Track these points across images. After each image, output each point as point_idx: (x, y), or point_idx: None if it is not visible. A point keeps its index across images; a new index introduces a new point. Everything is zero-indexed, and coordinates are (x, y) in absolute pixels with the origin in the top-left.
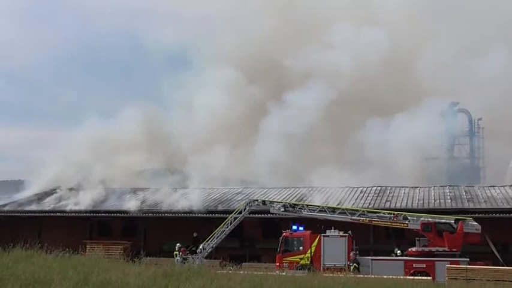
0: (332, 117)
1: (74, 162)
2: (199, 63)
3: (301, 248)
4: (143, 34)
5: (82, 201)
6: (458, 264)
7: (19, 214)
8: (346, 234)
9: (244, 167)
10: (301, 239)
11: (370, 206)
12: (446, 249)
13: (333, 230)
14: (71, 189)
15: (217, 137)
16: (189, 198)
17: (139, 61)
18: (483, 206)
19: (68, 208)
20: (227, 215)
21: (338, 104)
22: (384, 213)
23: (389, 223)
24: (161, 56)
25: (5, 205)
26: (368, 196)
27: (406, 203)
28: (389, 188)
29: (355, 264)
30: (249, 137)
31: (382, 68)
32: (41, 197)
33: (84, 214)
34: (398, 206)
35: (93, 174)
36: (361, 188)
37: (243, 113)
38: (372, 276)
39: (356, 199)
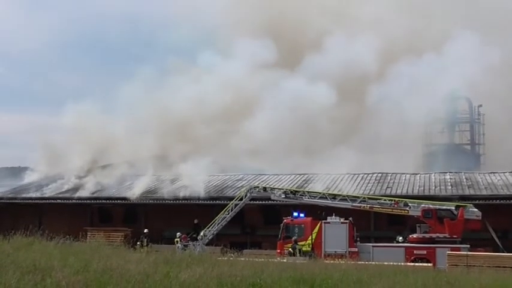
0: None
1: (77, 148)
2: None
3: (302, 234)
4: (148, 19)
5: (83, 188)
6: (459, 251)
7: (19, 201)
8: (347, 221)
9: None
10: (302, 225)
11: (371, 193)
12: (447, 235)
13: (333, 217)
14: (74, 175)
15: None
16: (190, 184)
17: (144, 46)
18: (484, 192)
19: (68, 195)
20: (228, 202)
21: (347, 82)
22: (385, 200)
23: (390, 210)
24: (168, 42)
25: (6, 192)
26: (369, 182)
27: (407, 189)
28: (390, 174)
29: (290, 249)
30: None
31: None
32: (42, 183)
33: (85, 201)
34: (399, 192)
35: (99, 160)
36: (362, 175)
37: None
38: (373, 262)
39: (357, 185)
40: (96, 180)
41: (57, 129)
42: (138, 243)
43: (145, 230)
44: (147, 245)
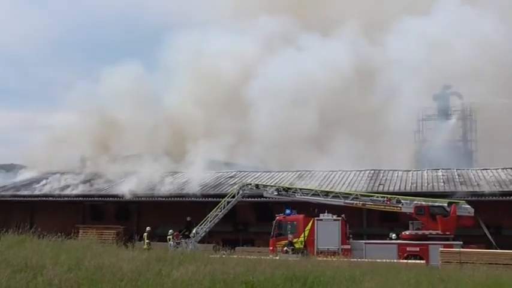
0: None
1: (69, 145)
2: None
3: (294, 231)
4: (149, 16)
5: (75, 186)
6: (452, 248)
7: (11, 199)
8: (340, 218)
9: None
10: (295, 222)
11: (363, 190)
12: (439, 232)
13: (326, 214)
14: (65, 173)
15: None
16: (183, 182)
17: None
18: (476, 189)
19: (60, 192)
20: (220, 199)
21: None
22: (377, 197)
23: (382, 207)
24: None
25: None
26: (361, 180)
27: (399, 186)
28: (382, 171)
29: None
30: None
31: None
32: (34, 181)
33: (77, 198)
34: (391, 189)
35: (90, 157)
36: (355, 172)
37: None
38: (365, 260)
39: (349, 182)
40: (85, 178)
41: (45, 126)
42: (147, 241)
43: (148, 228)
44: (148, 244)
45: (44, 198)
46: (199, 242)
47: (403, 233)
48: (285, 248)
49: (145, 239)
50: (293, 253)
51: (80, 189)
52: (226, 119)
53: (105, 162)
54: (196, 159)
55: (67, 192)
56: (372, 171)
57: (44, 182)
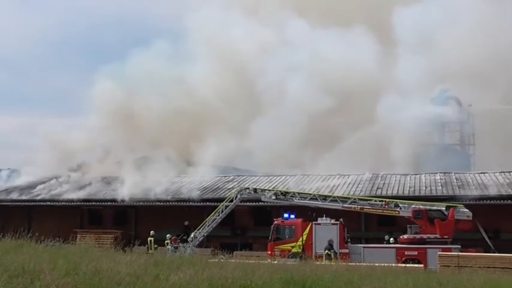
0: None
1: (70, 148)
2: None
3: (292, 236)
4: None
5: (73, 190)
6: (450, 251)
7: (9, 203)
8: (338, 222)
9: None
10: (293, 227)
11: (361, 194)
12: (437, 236)
13: (324, 218)
14: (63, 177)
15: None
16: (181, 186)
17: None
18: (474, 192)
19: (58, 197)
20: (218, 203)
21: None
22: (375, 201)
23: (380, 210)
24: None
25: None
26: (359, 183)
27: (398, 190)
28: (380, 175)
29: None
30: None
31: None
32: (31, 185)
33: (75, 203)
34: (389, 193)
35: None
36: (353, 175)
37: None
38: (364, 264)
39: (347, 186)
40: (84, 182)
41: (43, 130)
42: (155, 245)
43: (152, 232)
44: (155, 248)
45: (42, 203)
46: (197, 246)
47: (401, 236)
48: (327, 252)
49: (153, 243)
50: (334, 257)
51: (78, 194)
52: (231, 119)
53: (113, 164)
54: (199, 163)
55: (65, 196)
56: (370, 175)
57: (42, 186)
